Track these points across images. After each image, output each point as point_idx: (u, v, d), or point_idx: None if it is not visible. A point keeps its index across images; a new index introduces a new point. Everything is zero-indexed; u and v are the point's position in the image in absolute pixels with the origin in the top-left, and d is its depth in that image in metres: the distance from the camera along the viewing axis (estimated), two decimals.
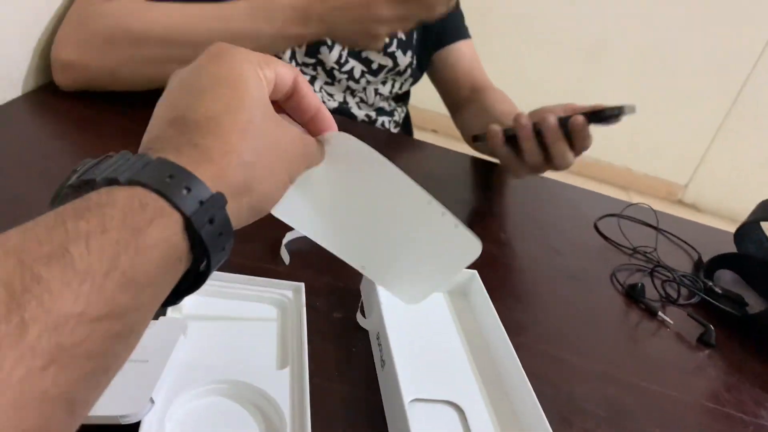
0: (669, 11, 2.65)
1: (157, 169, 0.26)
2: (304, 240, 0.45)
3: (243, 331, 0.44)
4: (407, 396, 0.41)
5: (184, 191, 0.26)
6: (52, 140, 0.64)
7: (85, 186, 0.26)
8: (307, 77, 0.85)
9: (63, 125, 0.67)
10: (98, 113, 0.68)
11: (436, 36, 0.95)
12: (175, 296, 0.28)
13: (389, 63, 0.91)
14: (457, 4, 0.97)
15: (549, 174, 0.76)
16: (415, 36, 0.93)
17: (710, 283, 0.68)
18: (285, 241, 0.54)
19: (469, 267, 0.57)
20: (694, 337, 0.62)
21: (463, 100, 0.98)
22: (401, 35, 0.91)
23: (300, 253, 0.54)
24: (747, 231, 0.76)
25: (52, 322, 0.20)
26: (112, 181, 0.26)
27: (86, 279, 0.22)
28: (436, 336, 0.51)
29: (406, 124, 1.06)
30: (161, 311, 0.40)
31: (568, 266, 0.68)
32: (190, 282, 0.28)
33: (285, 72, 0.34)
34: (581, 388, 0.50)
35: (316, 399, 0.38)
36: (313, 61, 0.84)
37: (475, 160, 0.87)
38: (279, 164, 0.32)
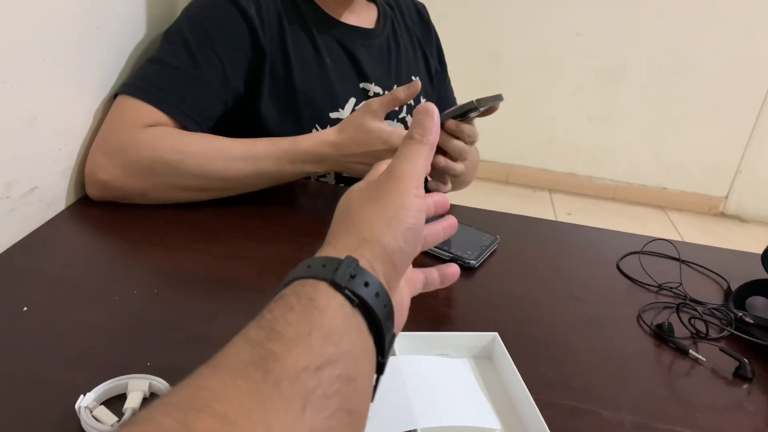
0: (681, 24, 2.66)
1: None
2: None
3: None
4: None
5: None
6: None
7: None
8: None
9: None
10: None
11: None
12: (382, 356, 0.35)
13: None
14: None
15: (570, 218, 0.77)
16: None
17: (741, 314, 0.67)
18: None
19: (491, 328, 0.58)
20: (729, 372, 0.61)
21: None
22: (410, 101, 0.97)
23: None
24: None
25: (292, 377, 0.27)
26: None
27: (298, 343, 0.29)
28: (462, 402, 0.52)
29: None
30: None
31: (593, 313, 0.68)
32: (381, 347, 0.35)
33: None
34: None
35: None
36: None
37: (489, 213, 0.89)
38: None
